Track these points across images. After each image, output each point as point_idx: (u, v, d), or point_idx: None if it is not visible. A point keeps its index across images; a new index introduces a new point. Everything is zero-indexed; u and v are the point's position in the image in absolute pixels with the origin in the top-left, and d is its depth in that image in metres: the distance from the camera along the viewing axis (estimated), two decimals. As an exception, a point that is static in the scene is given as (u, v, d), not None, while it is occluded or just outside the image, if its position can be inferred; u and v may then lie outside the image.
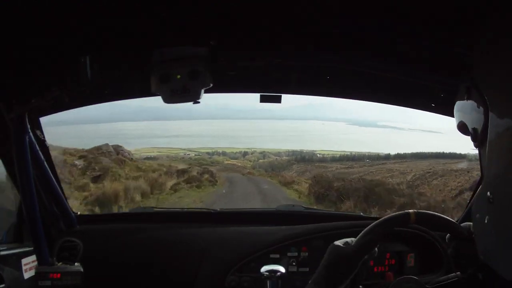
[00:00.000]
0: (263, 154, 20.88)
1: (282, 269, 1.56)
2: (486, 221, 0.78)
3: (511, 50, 0.71)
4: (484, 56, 0.82)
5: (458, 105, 0.93)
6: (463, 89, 0.88)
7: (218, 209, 2.28)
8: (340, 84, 1.72)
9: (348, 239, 1.12)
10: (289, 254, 1.88)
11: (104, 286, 1.89)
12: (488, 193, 0.76)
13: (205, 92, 1.48)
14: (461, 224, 1.17)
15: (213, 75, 1.45)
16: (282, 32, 1.25)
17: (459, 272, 1.17)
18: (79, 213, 2.12)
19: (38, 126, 1.80)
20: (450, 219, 1.19)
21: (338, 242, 1.11)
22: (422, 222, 1.18)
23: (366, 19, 1.12)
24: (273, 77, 1.66)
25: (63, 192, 1.98)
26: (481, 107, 0.79)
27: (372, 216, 2.82)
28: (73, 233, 1.97)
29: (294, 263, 1.87)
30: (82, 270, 1.72)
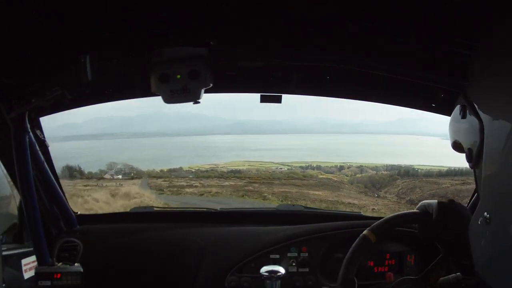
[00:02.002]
0: (360, 168, 18.85)
1: (281, 269, 1.56)
2: (483, 241, 0.79)
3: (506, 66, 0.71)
4: (479, 76, 0.82)
5: (453, 124, 0.93)
6: (458, 109, 0.88)
7: (219, 209, 2.28)
8: (340, 84, 1.72)
9: None
10: (289, 254, 1.88)
11: (104, 286, 1.89)
12: (485, 213, 0.76)
13: (205, 92, 1.48)
14: (416, 209, 1.22)
15: (213, 75, 1.45)
16: (282, 32, 1.25)
17: (459, 273, 1.17)
18: (79, 213, 2.12)
19: (38, 126, 1.80)
20: (401, 212, 1.23)
21: None
22: (382, 235, 1.22)
23: (366, 19, 1.12)
24: (273, 77, 1.66)
25: (63, 192, 1.98)
26: (476, 128, 0.79)
27: (372, 216, 2.81)
28: (73, 233, 1.97)
29: (294, 264, 1.87)
30: (82, 270, 1.72)
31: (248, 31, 1.25)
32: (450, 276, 1.20)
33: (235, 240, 1.94)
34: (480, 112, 0.79)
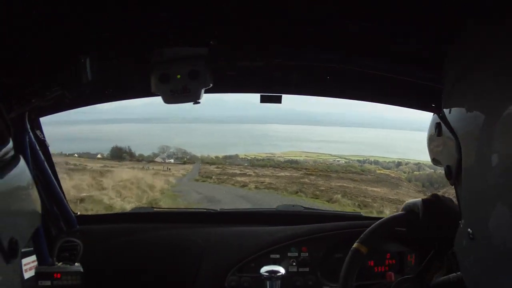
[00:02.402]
0: (418, 165, 18.15)
1: (281, 270, 1.56)
2: (469, 258, 0.79)
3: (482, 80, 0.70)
4: (453, 91, 0.81)
5: (430, 142, 0.92)
6: (433, 126, 0.87)
7: (218, 209, 2.28)
8: (340, 84, 1.72)
9: None
10: (289, 254, 1.88)
11: (104, 286, 1.89)
12: (469, 230, 0.76)
13: (205, 92, 1.48)
14: (401, 210, 1.21)
15: (213, 75, 1.45)
16: (282, 32, 1.25)
17: (459, 272, 1.17)
18: (79, 213, 2.12)
19: (38, 126, 1.80)
20: (388, 217, 1.23)
21: None
22: (372, 244, 1.22)
23: (366, 19, 1.12)
24: (273, 77, 1.66)
25: (63, 192, 1.98)
26: (453, 146, 0.79)
27: (372, 216, 2.81)
28: (73, 233, 1.97)
29: (294, 263, 1.87)
30: (82, 270, 1.72)
31: (248, 31, 1.25)
32: (450, 275, 1.20)
33: (235, 240, 1.94)
34: (455, 129, 0.79)
